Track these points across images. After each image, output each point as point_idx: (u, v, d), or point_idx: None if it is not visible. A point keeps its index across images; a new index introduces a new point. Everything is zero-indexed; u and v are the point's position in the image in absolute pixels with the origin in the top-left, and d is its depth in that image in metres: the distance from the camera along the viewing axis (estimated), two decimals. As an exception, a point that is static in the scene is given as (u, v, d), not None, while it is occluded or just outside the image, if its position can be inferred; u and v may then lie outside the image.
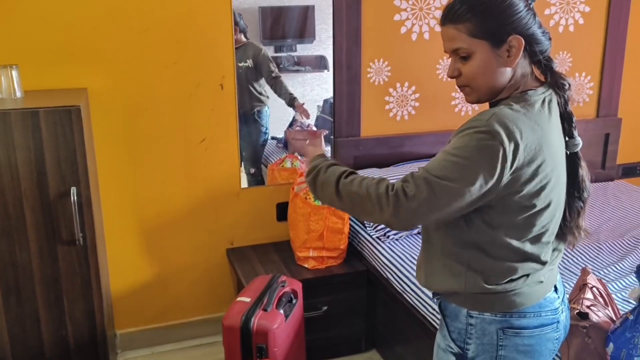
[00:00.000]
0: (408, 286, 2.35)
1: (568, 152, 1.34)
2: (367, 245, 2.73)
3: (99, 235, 2.28)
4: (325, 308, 2.61)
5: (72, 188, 2.04)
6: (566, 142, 1.34)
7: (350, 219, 2.80)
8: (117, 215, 2.68)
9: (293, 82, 2.94)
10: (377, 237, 2.69)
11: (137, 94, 2.60)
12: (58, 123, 1.99)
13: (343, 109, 2.98)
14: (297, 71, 3.02)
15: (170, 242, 2.82)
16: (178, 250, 2.84)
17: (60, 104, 2.03)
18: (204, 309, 2.95)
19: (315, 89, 3.04)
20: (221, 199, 2.87)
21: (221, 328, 2.86)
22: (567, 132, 1.33)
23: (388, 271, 2.52)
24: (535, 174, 1.23)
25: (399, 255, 2.54)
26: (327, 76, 2.98)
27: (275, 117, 2.96)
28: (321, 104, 3.06)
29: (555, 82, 1.31)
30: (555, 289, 1.39)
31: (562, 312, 1.39)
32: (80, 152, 2.04)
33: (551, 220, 1.32)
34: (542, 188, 1.25)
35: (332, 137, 3.03)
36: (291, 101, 2.96)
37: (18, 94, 2.22)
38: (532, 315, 1.33)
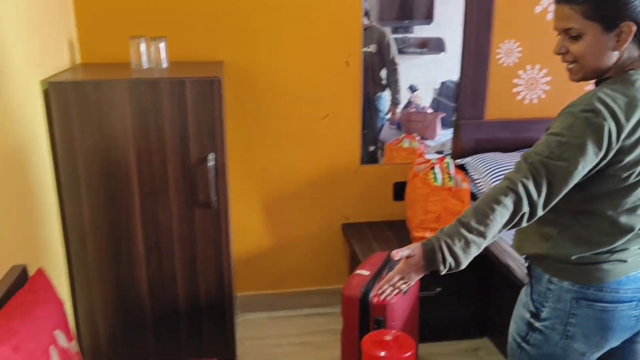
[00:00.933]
0: (531, 274, 2.28)
1: None
2: (486, 230, 2.66)
3: (229, 202, 2.41)
4: (438, 290, 2.60)
5: (210, 154, 2.17)
6: None
7: (470, 203, 2.75)
8: (242, 184, 2.83)
9: (409, 64, 2.92)
10: (498, 223, 2.62)
11: (267, 68, 2.71)
12: (201, 93, 2.12)
13: (468, 91, 2.92)
14: (414, 53, 2.99)
15: (289, 213, 2.92)
16: (296, 222, 2.94)
17: (203, 75, 2.16)
18: (317, 280, 3.04)
19: (431, 72, 3.00)
20: (339, 175, 2.93)
21: (333, 300, 2.98)
22: None
23: (507, 256, 2.45)
24: (635, 146, 1.29)
25: (521, 242, 2.46)
26: (444, 58, 2.93)
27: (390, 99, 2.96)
28: (438, 86, 3.02)
29: None
30: None
31: None
32: (218, 121, 2.17)
33: None
34: None
35: (453, 119, 2.98)
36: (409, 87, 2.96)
37: (164, 65, 2.38)
38: (609, 291, 1.38)
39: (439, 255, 1.34)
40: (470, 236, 1.32)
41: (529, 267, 1.52)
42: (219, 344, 2.38)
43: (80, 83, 2.06)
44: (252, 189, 2.86)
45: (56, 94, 2.04)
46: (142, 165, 2.15)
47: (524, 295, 1.55)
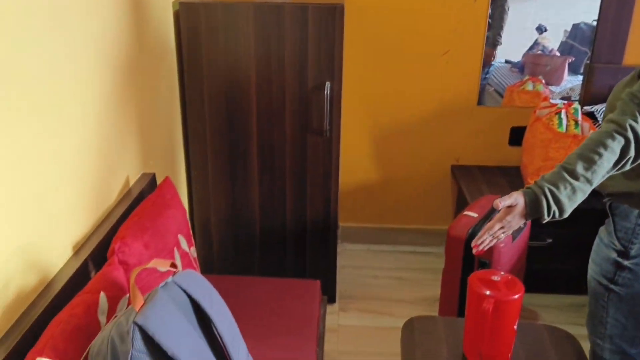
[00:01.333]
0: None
1: None
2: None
3: (341, 132, 2.43)
4: (549, 240, 2.50)
5: (326, 82, 2.18)
6: None
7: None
8: (354, 116, 2.83)
9: (537, 5, 2.69)
10: (624, 178, 2.44)
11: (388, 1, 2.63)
12: (323, 19, 2.11)
13: (606, 32, 2.66)
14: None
15: (399, 149, 2.90)
16: (405, 158, 2.91)
17: (326, 2, 2.14)
18: (420, 219, 3.03)
19: (561, 13, 2.75)
20: (454, 114, 2.84)
21: (434, 240, 2.97)
22: None
23: (632, 215, 2.29)
24: None
25: (649, 200, 2.28)
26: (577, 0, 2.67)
27: (513, 41, 2.76)
28: (569, 28, 2.77)
29: None
30: None
31: None
32: (337, 49, 2.16)
33: None
34: None
35: (586, 62, 2.75)
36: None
37: (288, -10, 2.38)
38: None
39: (544, 204, 1.29)
40: (576, 183, 1.26)
41: (610, 206, 1.48)
42: (321, 268, 2.47)
43: (208, 5, 2.12)
44: (364, 121, 2.85)
45: (186, 15, 2.12)
46: (262, 88, 2.20)
47: (605, 235, 1.51)
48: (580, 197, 1.29)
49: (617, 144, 1.23)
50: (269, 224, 2.41)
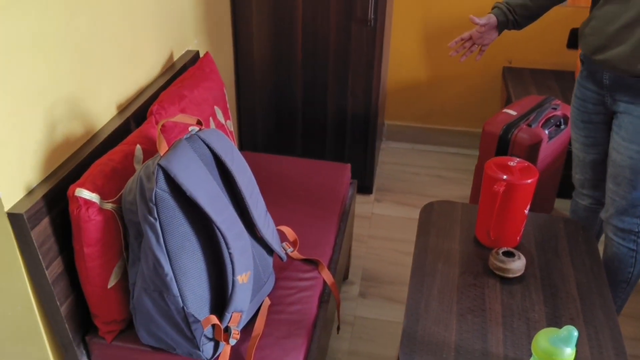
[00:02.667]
0: None
1: None
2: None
3: (387, 23, 2.41)
4: (594, 147, 2.44)
5: (374, -31, 2.15)
6: None
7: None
8: (406, 8, 2.77)
9: None
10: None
11: None
12: None
13: None
14: None
15: (447, 50, 2.84)
16: (452, 60, 2.86)
17: None
18: (467, 121, 3.01)
19: None
20: (511, 13, 2.72)
21: (479, 143, 2.95)
22: None
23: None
24: None
25: None
26: None
27: None
28: None
29: None
30: None
31: None
32: None
33: None
34: None
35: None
36: None
37: None
38: None
39: (508, 15, 1.73)
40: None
41: None
42: (359, 158, 2.55)
43: None
44: (416, 15, 2.80)
45: None
46: (308, -27, 2.20)
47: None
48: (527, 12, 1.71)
49: None
50: (311, 110, 2.49)
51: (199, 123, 1.33)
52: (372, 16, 2.23)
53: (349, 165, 2.05)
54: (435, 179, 2.81)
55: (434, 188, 2.74)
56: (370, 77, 2.37)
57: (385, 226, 2.47)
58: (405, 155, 3.01)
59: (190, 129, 1.44)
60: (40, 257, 1.19)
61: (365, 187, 2.64)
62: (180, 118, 1.29)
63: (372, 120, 2.46)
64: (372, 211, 2.57)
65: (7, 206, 1.15)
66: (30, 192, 1.21)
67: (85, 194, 1.19)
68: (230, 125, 1.87)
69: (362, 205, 2.60)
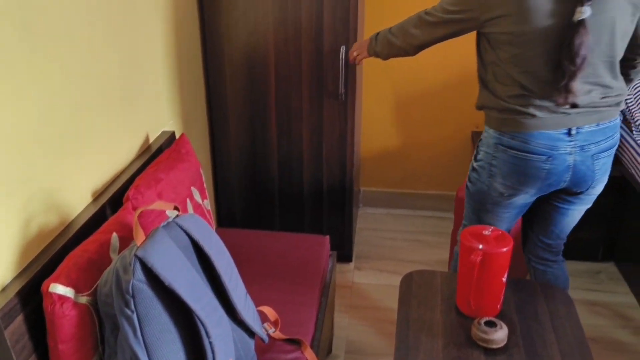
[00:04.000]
0: (669, 200, 2.11)
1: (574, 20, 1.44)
2: (629, 151, 2.47)
3: (358, 96, 2.49)
4: (565, 206, 2.50)
5: (342, 46, 2.24)
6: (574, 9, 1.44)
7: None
8: (376, 81, 2.87)
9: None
10: (644, 144, 2.41)
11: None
12: None
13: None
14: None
15: (420, 115, 2.94)
16: (425, 124, 2.95)
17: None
18: (440, 184, 3.07)
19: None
20: (475, 81, 2.83)
21: (453, 205, 3.00)
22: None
23: (648, 181, 2.28)
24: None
25: (666, 166, 2.26)
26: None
27: None
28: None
29: None
30: (569, 133, 1.57)
31: (570, 154, 1.59)
32: (352, 13, 2.20)
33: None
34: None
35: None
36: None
37: (307, -44, 2.44)
38: (520, 141, 1.59)
39: (373, 42, 1.86)
40: (389, 36, 1.80)
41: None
42: (338, 228, 2.56)
43: (228, -30, 2.20)
44: (385, 87, 2.90)
45: (207, -20, 2.21)
46: (280, 52, 2.29)
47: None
48: (386, 43, 1.81)
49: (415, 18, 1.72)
50: (287, 184, 2.51)
51: (176, 209, 1.33)
52: (343, 90, 2.30)
53: (327, 238, 2.05)
54: (413, 244, 2.83)
55: (412, 253, 2.75)
56: (343, 149, 2.42)
57: (366, 295, 2.46)
58: (382, 220, 3.03)
59: (167, 212, 1.45)
60: (14, 356, 1.15)
61: (344, 255, 2.64)
62: (157, 205, 1.29)
63: (348, 189, 2.49)
64: (353, 280, 2.56)
65: (-21, 306, 1.12)
66: (3, 289, 1.18)
67: (59, 289, 1.17)
68: (208, 204, 1.88)
69: (342, 274, 2.59)
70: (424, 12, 1.70)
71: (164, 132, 1.99)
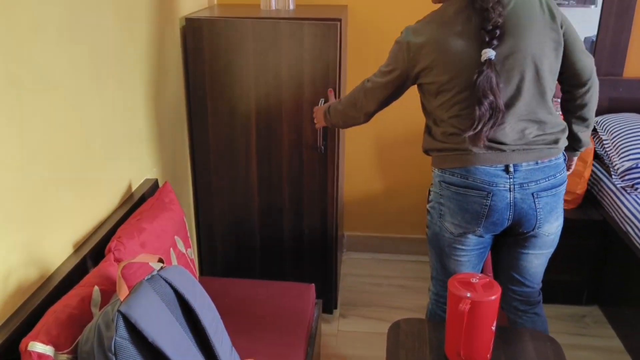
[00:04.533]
0: (650, 244, 2.13)
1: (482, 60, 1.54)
2: (609, 195, 2.51)
3: (341, 145, 2.50)
4: (548, 250, 2.52)
5: (320, 99, 2.25)
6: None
7: (593, 164, 2.59)
8: (357, 128, 2.90)
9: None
10: (623, 188, 2.46)
11: (390, 13, 2.71)
12: (318, 36, 2.17)
13: (606, 44, 2.70)
14: (559, 5, 2.79)
15: (401, 160, 2.96)
16: (407, 169, 2.97)
17: (321, 17, 2.23)
18: (424, 228, 3.07)
19: (575, 26, 2.80)
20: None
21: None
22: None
23: (629, 224, 2.31)
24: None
25: (645, 209, 2.30)
26: (593, 12, 2.70)
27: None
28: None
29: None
30: (506, 170, 1.62)
31: (510, 190, 1.63)
32: (332, 66, 2.20)
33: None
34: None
35: (587, 74, 2.77)
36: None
37: (291, 7, 2.49)
38: (459, 176, 1.65)
39: (327, 115, 1.98)
40: (339, 107, 1.92)
41: None
42: (321, 277, 2.53)
43: (211, 20, 2.23)
44: (366, 132, 2.93)
45: (191, 30, 2.23)
46: (260, 103, 2.29)
47: None
48: (339, 114, 1.93)
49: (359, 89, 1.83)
50: (268, 233, 2.49)
51: (160, 261, 1.30)
52: (322, 144, 2.30)
53: (312, 286, 2.03)
54: (398, 289, 2.80)
55: (397, 299, 2.72)
56: (324, 200, 2.39)
57: (352, 344, 2.41)
58: (366, 265, 3.01)
59: (151, 264, 1.41)
60: (-13, 421, 1.09)
61: (329, 303, 2.60)
62: (141, 258, 1.27)
63: (329, 239, 2.46)
64: (338, 328, 2.52)
65: (-48, 367, 1.07)
66: (-22, 349, 1.13)
67: (39, 347, 1.13)
68: (191, 253, 1.85)
69: (327, 322, 2.55)
70: (366, 80, 1.81)
71: (146, 180, 1.97)
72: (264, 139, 2.34)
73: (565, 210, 2.55)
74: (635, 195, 2.40)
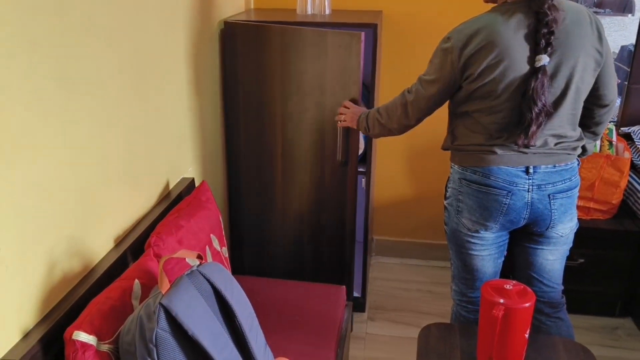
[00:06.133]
0: (689, 256, 2.09)
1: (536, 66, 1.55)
2: (645, 205, 2.47)
3: (374, 151, 2.50)
4: (581, 260, 2.49)
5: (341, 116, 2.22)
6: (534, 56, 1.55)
7: (630, 174, 2.55)
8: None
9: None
10: (660, 199, 2.42)
11: (426, 18, 2.71)
12: (341, 46, 2.12)
13: (645, 52, 2.65)
14: (595, 13, 2.77)
15: (432, 167, 2.96)
16: (438, 175, 2.96)
17: (355, 22, 2.24)
18: (453, 235, 3.05)
19: (612, 34, 2.76)
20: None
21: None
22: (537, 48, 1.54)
23: (666, 237, 2.27)
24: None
25: (683, 221, 2.25)
26: (630, 21, 2.67)
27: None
28: (617, 50, 2.78)
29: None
30: (526, 171, 1.67)
31: (528, 191, 1.67)
32: (355, 75, 2.13)
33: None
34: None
35: (626, 83, 2.74)
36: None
37: (327, 12, 2.52)
38: (481, 175, 1.69)
39: (362, 120, 1.96)
40: (377, 116, 1.89)
41: None
42: (350, 278, 2.53)
43: (245, 25, 2.23)
44: (398, 140, 2.92)
45: (228, 33, 2.27)
46: (286, 111, 2.28)
47: None
48: (377, 125, 1.90)
49: (399, 100, 1.80)
50: (292, 235, 2.47)
51: (199, 257, 1.33)
52: (342, 158, 2.22)
53: (344, 288, 2.04)
54: (426, 295, 2.80)
55: (426, 304, 2.72)
56: (344, 213, 2.33)
57: (380, 347, 2.42)
58: (395, 270, 3.01)
59: (188, 260, 1.45)
60: (32, 405, 1.13)
61: (358, 305, 2.61)
62: (181, 254, 1.30)
63: (347, 244, 2.41)
64: (367, 331, 2.52)
65: (2, 353, 1.12)
66: (26, 336, 1.18)
67: (82, 336, 1.17)
68: (226, 251, 1.88)
69: (356, 324, 2.56)
70: (406, 91, 1.78)
71: (183, 179, 2.02)
72: (288, 147, 2.34)
73: (600, 220, 2.52)
74: (673, 206, 2.36)
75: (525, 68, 1.57)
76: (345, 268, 2.49)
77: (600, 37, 1.60)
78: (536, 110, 1.57)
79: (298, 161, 2.37)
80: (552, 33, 1.53)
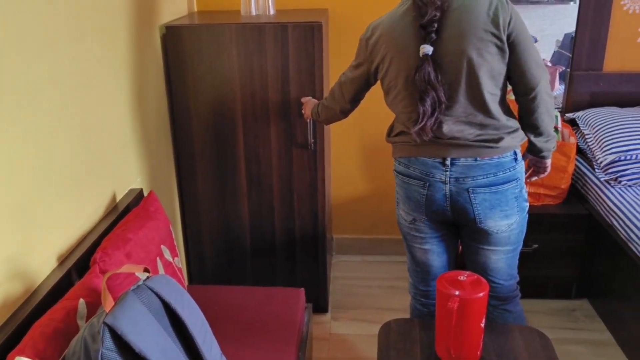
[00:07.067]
0: (636, 235, 2.16)
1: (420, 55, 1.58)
2: (593, 189, 2.53)
3: (327, 145, 2.51)
4: (535, 246, 2.54)
5: (309, 97, 2.26)
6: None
7: (577, 159, 2.62)
8: (344, 130, 2.91)
9: (532, 15, 2.76)
10: (606, 181, 2.48)
11: (370, 15, 2.71)
12: (302, 37, 2.20)
13: (585, 39, 2.72)
14: (538, 3, 2.82)
15: (389, 161, 2.96)
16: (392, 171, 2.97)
17: (305, 20, 2.24)
18: (412, 229, 3.07)
19: (556, 23, 2.82)
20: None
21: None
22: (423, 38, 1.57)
23: (614, 217, 2.33)
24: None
25: (629, 202, 2.32)
26: (572, 9, 2.73)
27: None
28: (561, 38, 2.84)
29: None
30: (443, 163, 1.67)
31: (445, 183, 1.68)
32: (317, 65, 2.24)
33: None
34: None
35: (568, 70, 2.81)
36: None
37: (271, 12, 2.49)
38: (403, 165, 1.75)
39: (315, 109, 2.05)
40: (324, 102, 1.99)
41: None
42: (312, 279, 2.53)
43: (193, 27, 2.23)
44: (354, 134, 2.93)
45: (172, 37, 2.23)
46: (247, 106, 2.30)
47: None
48: (324, 109, 2.00)
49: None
50: (259, 236, 2.48)
51: (146, 270, 1.29)
52: (312, 140, 2.32)
53: (302, 290, 2.02)
54: (388, 290, 2.80)
55: (388, 300, 2.73)
56: (315, 199, 2.42)
57: (344, 347, 2.41)
58: (355, 268, 3.01)
59: (137, 274, 1.40)
60: None
61: (320, 306, 2.60)
62: (126, 268, 1.25)
63: (320, 240, 2.48)
64: (330, 331, 2.51)
65: (-64, 387, 1.06)
66: (-38, 367, 1.12)
67: (24, 362, 1.11)
68: (178, 262, 1.83)
69: (319, 325, 2.54)
70: (342, 74, 1.88)
71: (131, 190, 1.96)
72: (251, 140, 2.34)
73: (551, 205, 2.57)
74: (619, 188, 2.43)
75: (414, 59, 1.59)
76: (319, 266, 2.50)
77: (496, 22, 1.54)
78: (428, 100, 1.57)
79: (264, 156, 2.37)
80: (431, 22, 1.53)
